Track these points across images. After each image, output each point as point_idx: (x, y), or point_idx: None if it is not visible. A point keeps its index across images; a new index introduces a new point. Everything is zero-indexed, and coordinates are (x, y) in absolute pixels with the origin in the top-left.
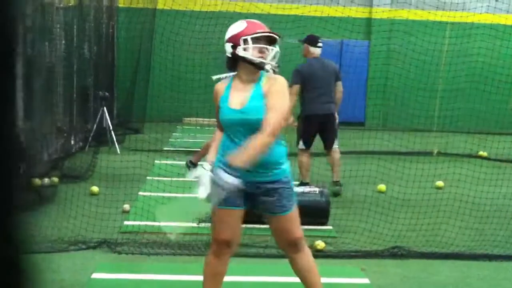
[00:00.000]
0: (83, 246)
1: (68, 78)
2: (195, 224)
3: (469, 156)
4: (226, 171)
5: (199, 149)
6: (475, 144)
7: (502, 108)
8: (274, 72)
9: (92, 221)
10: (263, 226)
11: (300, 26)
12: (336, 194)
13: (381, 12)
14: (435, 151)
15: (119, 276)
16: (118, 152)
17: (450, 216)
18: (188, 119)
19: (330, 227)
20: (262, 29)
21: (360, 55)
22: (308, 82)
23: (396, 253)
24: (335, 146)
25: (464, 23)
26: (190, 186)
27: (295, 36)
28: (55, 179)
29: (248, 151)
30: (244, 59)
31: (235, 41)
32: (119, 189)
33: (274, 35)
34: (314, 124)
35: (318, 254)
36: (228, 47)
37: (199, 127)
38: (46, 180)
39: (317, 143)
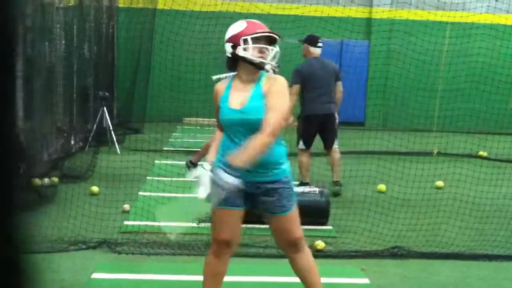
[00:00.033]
0: (83, 246)
1: (68, 78)
2: (195, 224)
3: (469, 156)
4: (226, 171)
5: (199, 149)
6: (475, 144)
7: (502, 108)
8: (274, 72)
9: (92, 221)
10: (263, 226)
11: (300, 26)
12: (336, 194)
13: (381, 12)
14: (435, 151)
15: (119, 276)
16: (118, 152)
17: (450, 216)
18: (188, 119)
19: (330, 227)
20: (262, 29)
21: (360, 55)
22: (308, 82)
23: (396, 253)
24: (335, 146)
25: (464, 23)
26: (190, 186)
27: (295, 36)
28: (55, 179)
29: (248, 151)
30: (244, 59)
31: (235, 41)
32: (119, 189)
33: (274, 35)
34: (314, 124)
35: (318, 254)
36: (228, 47)
37: (199, 127)
38: (46, 180)
39: (317, 143)
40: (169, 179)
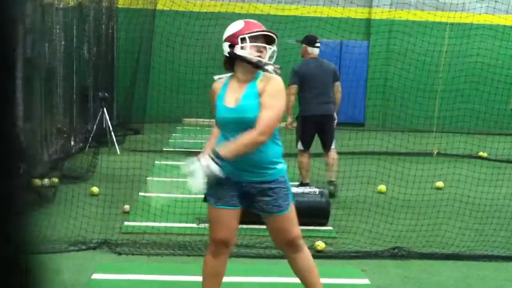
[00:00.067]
0: (83, 247)
1: (68, 79)
2: (195, 225)
3: (469, 156)
4: (213, 160)
5: (199, 150)
6: (475, 144)
7: (501, 109)
8: (276, 73)
9: (92, 221)
10: (263, 227)
11: (300, 27)
12: (330, 194)
13: (380, 13)
14: (435, 152)
15: (119, 276)
16: (118, 152)
17: (450, 217)
18: (188, 119)
19: (330, 228)
20: (260, 28)
21: (359, 55)
22: (305, 82)
23: (396, 254)
24: (332, 147)
25: (463, 23)
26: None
27: (294, 37)
28: (55, 180)
29: (235, 144)
30: (241, 58)
31: (232, 40)
32: (119, 189)
33: (272, 34)
34: (311, 125)
35: (318, 254)
36: (225, 47)
37: (199, 128)
38: (46, 180)
39: (317, 143)
40: (169, 179)
